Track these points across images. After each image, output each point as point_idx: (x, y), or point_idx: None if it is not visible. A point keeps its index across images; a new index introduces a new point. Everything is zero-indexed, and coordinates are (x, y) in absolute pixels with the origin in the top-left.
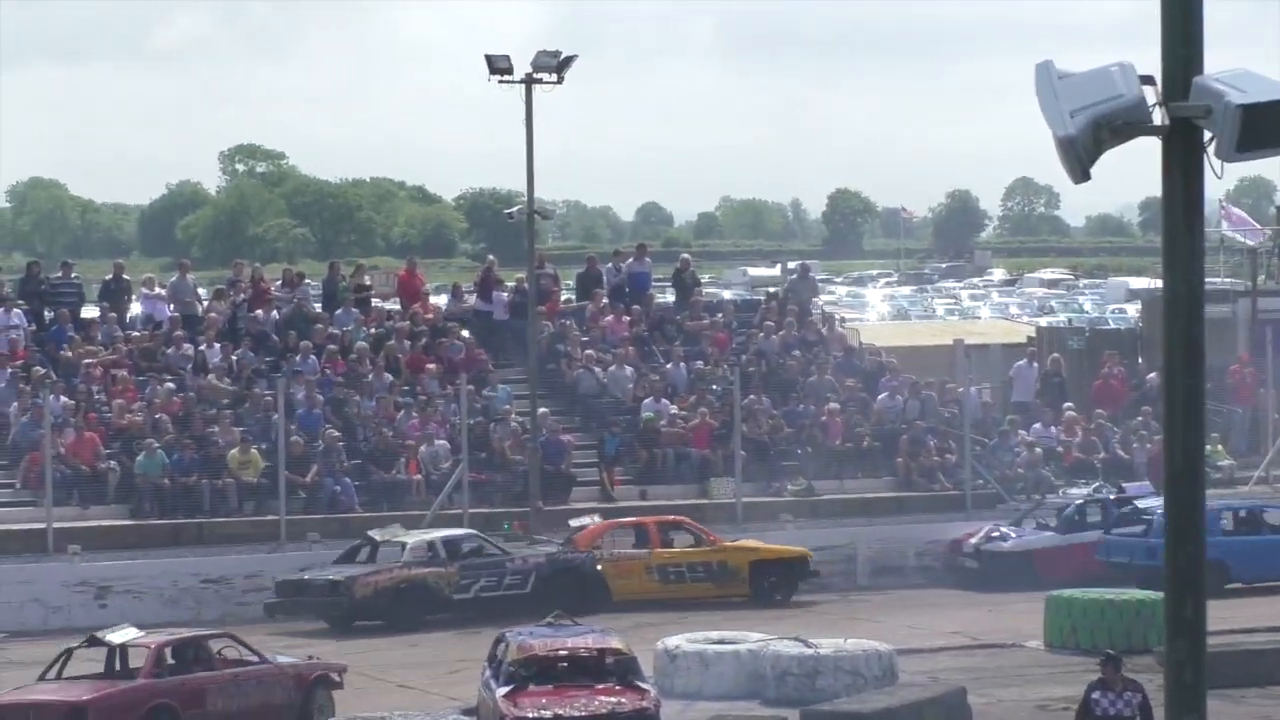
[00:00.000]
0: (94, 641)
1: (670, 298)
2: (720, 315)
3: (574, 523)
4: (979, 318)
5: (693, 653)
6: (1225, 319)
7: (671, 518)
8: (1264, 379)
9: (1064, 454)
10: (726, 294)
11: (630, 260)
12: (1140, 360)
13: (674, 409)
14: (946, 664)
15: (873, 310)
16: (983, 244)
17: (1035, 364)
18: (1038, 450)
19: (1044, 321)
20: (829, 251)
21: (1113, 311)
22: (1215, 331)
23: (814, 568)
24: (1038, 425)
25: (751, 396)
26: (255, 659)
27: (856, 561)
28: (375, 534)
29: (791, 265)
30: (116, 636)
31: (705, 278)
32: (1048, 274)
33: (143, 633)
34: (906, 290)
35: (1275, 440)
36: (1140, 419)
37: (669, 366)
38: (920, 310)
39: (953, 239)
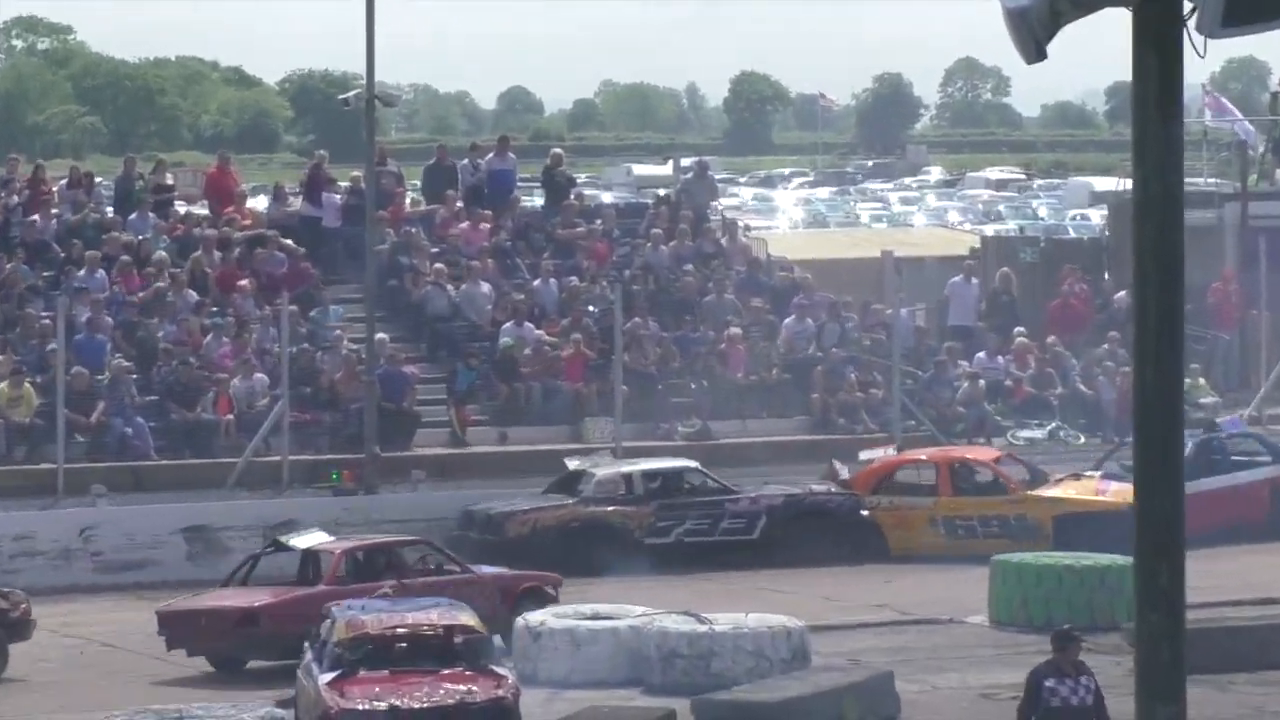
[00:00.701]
0: (278, 546)
1: (539, 201)
2: (599, 222)
3: (864, 455)
4: (912, 225)
5: (561, 630)
6: (1209, 227)
7: (973, 454)
8: (1255, 299)
9: (1013, 388)
10: (607, 197)
11: (490, 156)
12: (1106, 276)
13: (541, 335)
14: (870, 643)
15: (784, 217)
16: (917, 137)
17: (975, 280)
18: (981, 384)
19: (990, 230)
20: (731, 146)
21: (1073, 218)
22: (1197, 242)
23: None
24: (982, 354)
25: (636, 320)
26: (456, 568)
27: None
28: (573, 462)
29: (686, 163)
30: (301, 541)
31: (581, 177)
32: (995, 173)
33: (331, 538)
34: (825, 193)
35: (1268, 372)
36: (1106, 347)
37: (536, 284)
38: (841, 216)
39: (881, 131)
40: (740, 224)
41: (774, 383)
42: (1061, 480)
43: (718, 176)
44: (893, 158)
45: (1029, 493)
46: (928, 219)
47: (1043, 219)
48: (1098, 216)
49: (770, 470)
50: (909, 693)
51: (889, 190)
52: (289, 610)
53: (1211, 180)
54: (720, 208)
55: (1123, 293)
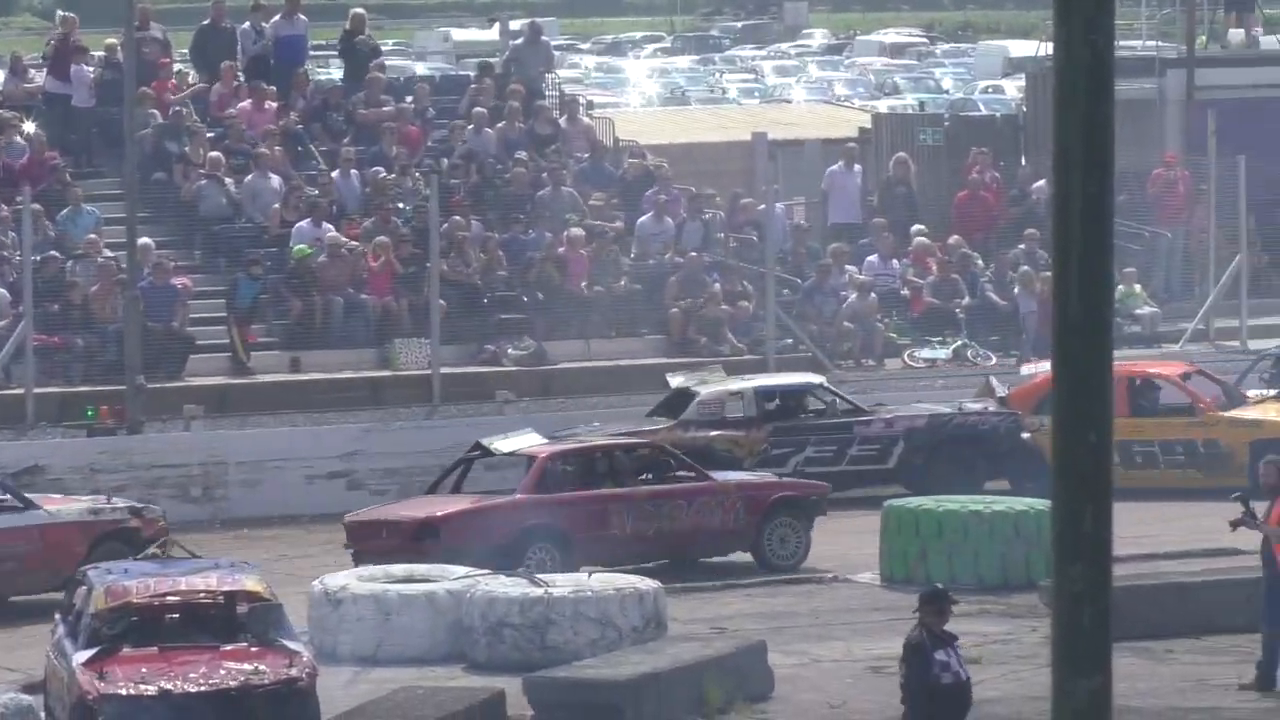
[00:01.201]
0: (481, 450)
1: (337, 74)
2: (410, 100)
3: (1024, 369)
4: (790, 101)
5: (366, 597)
6: (1148, 100)
7: (1159, 368)
8: (1203, 187)
9: (911, 299)
10: (420, 68)
11: (277, 19)
12: (1024, 162)
13: (340, 238)
14: (739, 608)
15: (635, 91)
16: None
17: (858, 168)
18: (872, 296)
19: (884, 107)
20: (571, 5)
21: (984, 91)
22: (1134, 117)
23: None
24: (873, 258)
25: (455, 219)
26: (690, 474)
27: None
28: (677, 379)
29: (515, 25)
30: (505, 444)
31: (388, 44)
32: (891, 37)
33: (543, 440)
34: (684, 61)
35: (1218, 277)
36: (1023, 247)
37: (334, 176)
38: (704, 91)
39: None
40: (582, 101)
41: (623, 294)
42: (1263, 400)
43: (554, 42)
44: (767, 18)
45: (1222, 414)
46: (809, 93)
47: (948, 92)
48: (1013, 89)
49: (617, 399)
50: (784, 666)
51: (762, 59)
52: (472, 522)
53: (1151, 43)
54: (558, 81)
55: (1042, 181)
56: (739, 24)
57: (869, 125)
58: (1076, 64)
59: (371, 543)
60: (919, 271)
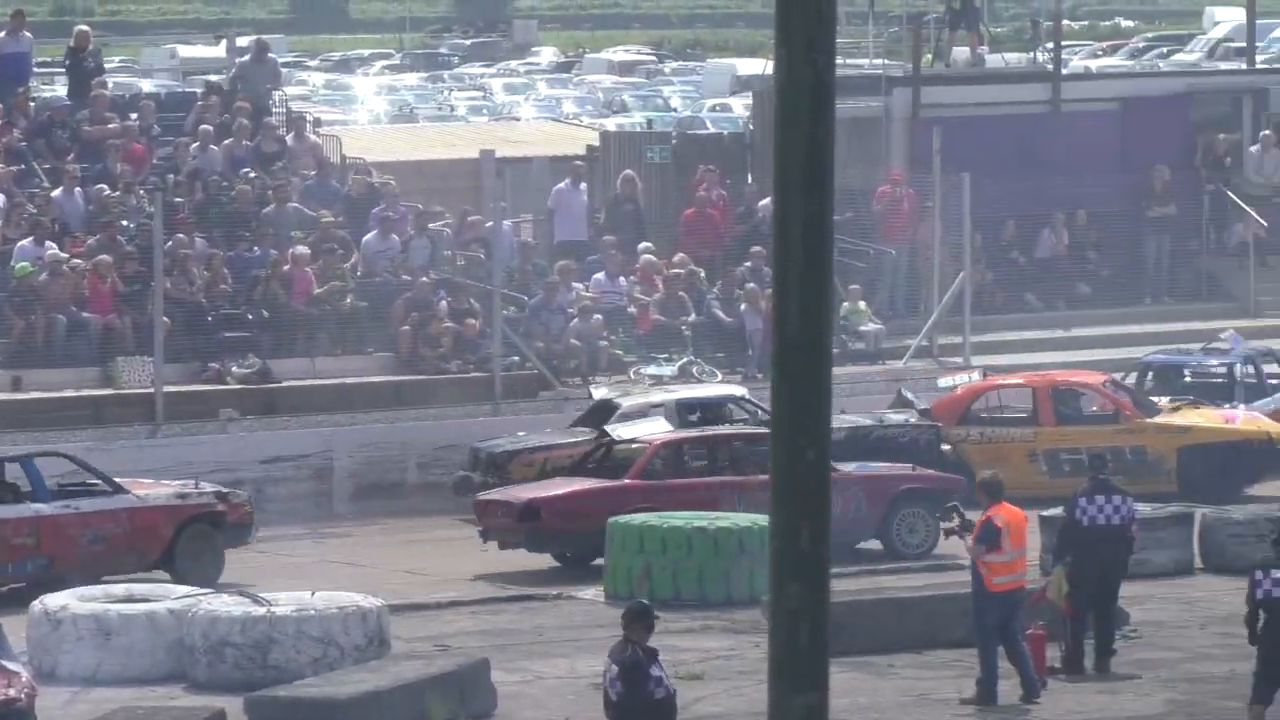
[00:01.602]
0: (601, 435)
1: (61, 91)
2: (135, 117)
3: (943, 382)
4: (519, 119)
5: (85, 616)
6: (874, 117)
7: (1078, 377)
8: (928, 204)
9: (638, 317)
10: (146, 85)
11: (1, 36)
12: (750, 179)
13: (63, 256)
14: (463, 625)
15: (363, 109)
16: (525, 11)
17: (584, 185)
18: (596, 318)
19: (613, 124)
20: (300, 22)
21: (712, 109)
22: (860, 135)
23: None
24: (600, 276)
25: (179, 237)
26: None
27: (333, 478)
28: (600, 390)
29: (243, 42)
30: (625, 430)
31: (114, 61)
32: (619, 55)
33: (668, 428)
34: (413, 79)
35: (942, 294)
36: (749, 265)
37: (57, 193)
38: (433, 108)
39: (481, 4)
40: (309, 118)
41: (349, 312)
42: (1177, 408)
43: (282, 59)
44: (496, 36)
45: (1149, 421)
46: (538, 111)
47: (675, 110)
48: (740, 106)
49: (343, 418)
50: (508, 683)
51: (491, 76)
52: (575, 505)
53: (879, 61)
54: (285, 98)
55: (768, 199)
56: (468, 41)
57: (597, 143)
58: (798, 83)
59: (491, 521)
60: (646, 289)
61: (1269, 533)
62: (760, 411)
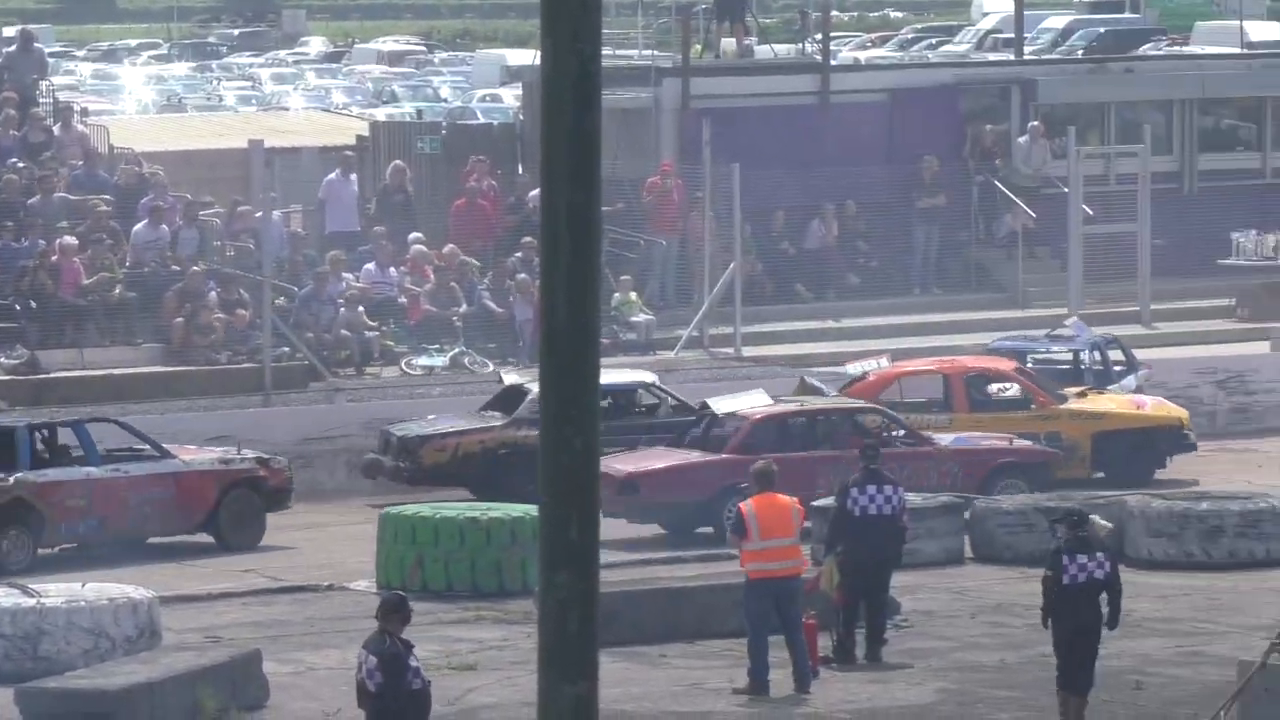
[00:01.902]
0: (703, 409)
1: None
2: None
3: (851, 368)
4: (287, 109)
5: None
6: (644, 108)
7: (990, 364)
8: (698, 196)
9: (409, 307)
10: None
11: None
12: (521, 170)
13: None
14: (235, 617)
15: (131, 98)
16: (294, 1)
17: (354, 176)
18: (359, 309)
19: (383, 114)
20: (66, 12)
21: (482, 99)
22: (630, 126)
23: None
24: (370, 266)
25: None
26: (909, 439)
27: None
28: (510, 376)
29: (8, 32)
30: (723, 404)
31: None
32: (389, 45)
33: (769, 402)
34: (181, 69)
35: (712, 284)
36: (519, 255)
37: None
38: (201, 99)
39: None
40: (77, 108)
41: (117, 303)
42: (1084, 394)
43: (49, 49)
44: (265, 26)
45: (1062, 407)
46: (307, 101)
47: (446, 101)
48: (511, 97)
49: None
50: (279, 674)
51: (260, 66)
52: (673, 479)
53: (649, 52)
54: (52, 88)
55: (539, 190)
56: (236, 31)
57: (366, 133)
58: (563, 74)
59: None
60: (417, 279)
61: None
62: (669, 398)
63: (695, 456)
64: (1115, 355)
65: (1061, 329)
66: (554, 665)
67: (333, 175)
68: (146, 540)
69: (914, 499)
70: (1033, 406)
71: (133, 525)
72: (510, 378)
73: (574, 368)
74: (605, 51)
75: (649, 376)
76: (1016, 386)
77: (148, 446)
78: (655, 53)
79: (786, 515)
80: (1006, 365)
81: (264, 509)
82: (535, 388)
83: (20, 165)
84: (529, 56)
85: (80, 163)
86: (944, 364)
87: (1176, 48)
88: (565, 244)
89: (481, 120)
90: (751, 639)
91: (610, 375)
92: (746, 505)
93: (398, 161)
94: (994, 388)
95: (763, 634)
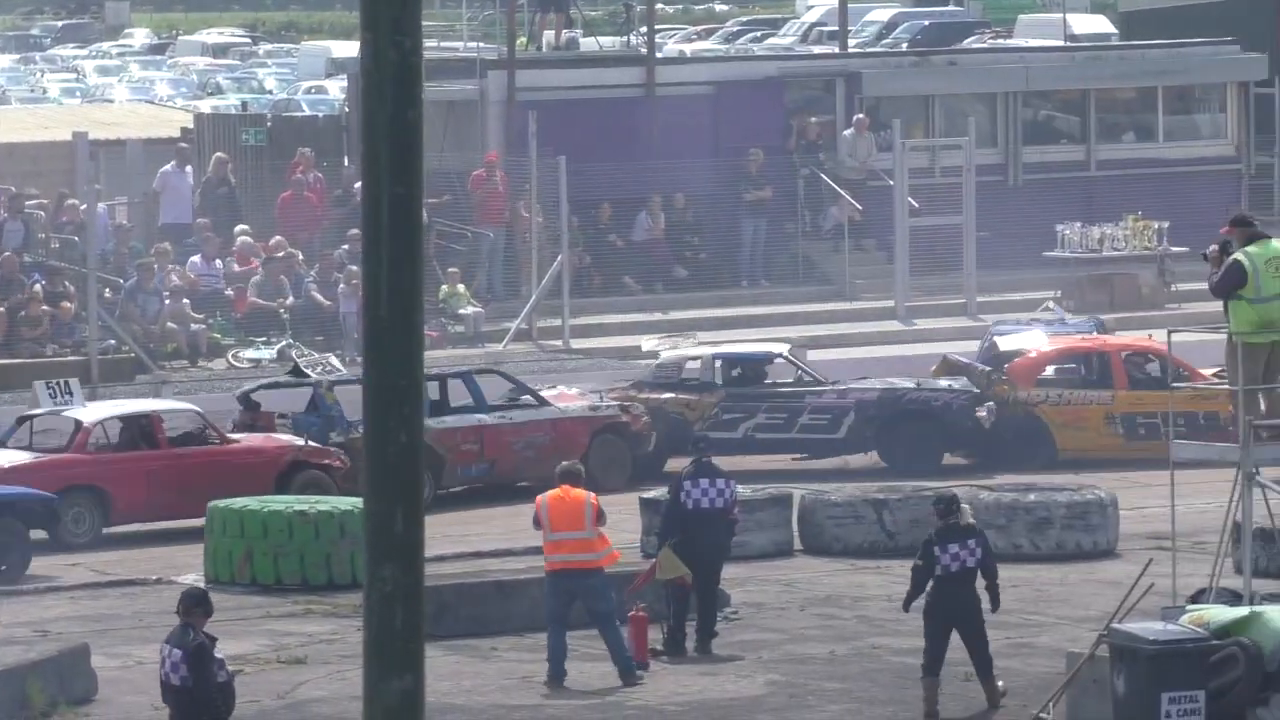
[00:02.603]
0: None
1: None
2: None
3: (652, 345)
4: (112, 101)
5: None
6: (470, 101)
7: (1145, 343)
8: (525, 188)
9: (235, 299)
10: None
11: None
12: (347, 162)
13: None
14: (62, 611)
15: None
16: None
17: (189, 169)
18: (185, 302)
19: (208, 107)
20: None
21: (308, 91)
22: (456, 118)
23: None
24: (197, 259)
25: None
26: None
27: None
28: (650, 343)
29: None
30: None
31: None
32: (213, 37)
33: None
34: (4, 60)
35: (540, 276)
36: (346, 247)
37: None
38: (25, 91)
39: None
40: None
41: None
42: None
43: None
44: (88, 18)
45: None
46: (131, 93)
47: (271, 93)
48: (336, 89)
49: None
50: (108, 669)
51: (83, 58)
52: None
53: (474, 44)
54: None
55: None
56: (59, 23)
57: (191, 125)
58: (384, 66)
59: None
60: (243, 272)
61: (866, 515)
62: (803, 372)
63: None
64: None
65: (1044, 312)
66: (380, 659)
67: (168, 167)
68: (517, 484)
69: (743, 491)
70: (1189, 384)
71: (517, 468)
72: (649, 344)
73: (397, 361)
74: (430, 44)
75: (780, 348)
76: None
77: (528, 395)
78: (480, 45)
79: (579, 509)
80: (1162, 346)
81: (629, 453)
82: (665, 354)
83: None
84: (354, 49)
85: None
86: (1107, 342)
87: (1000, 40)
88: (387, 237)
89: (307, 112)
90: (548, 631)
91: (744, 347)
92: (541, 498)
93: (219, 154)
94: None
95: (557, 627)
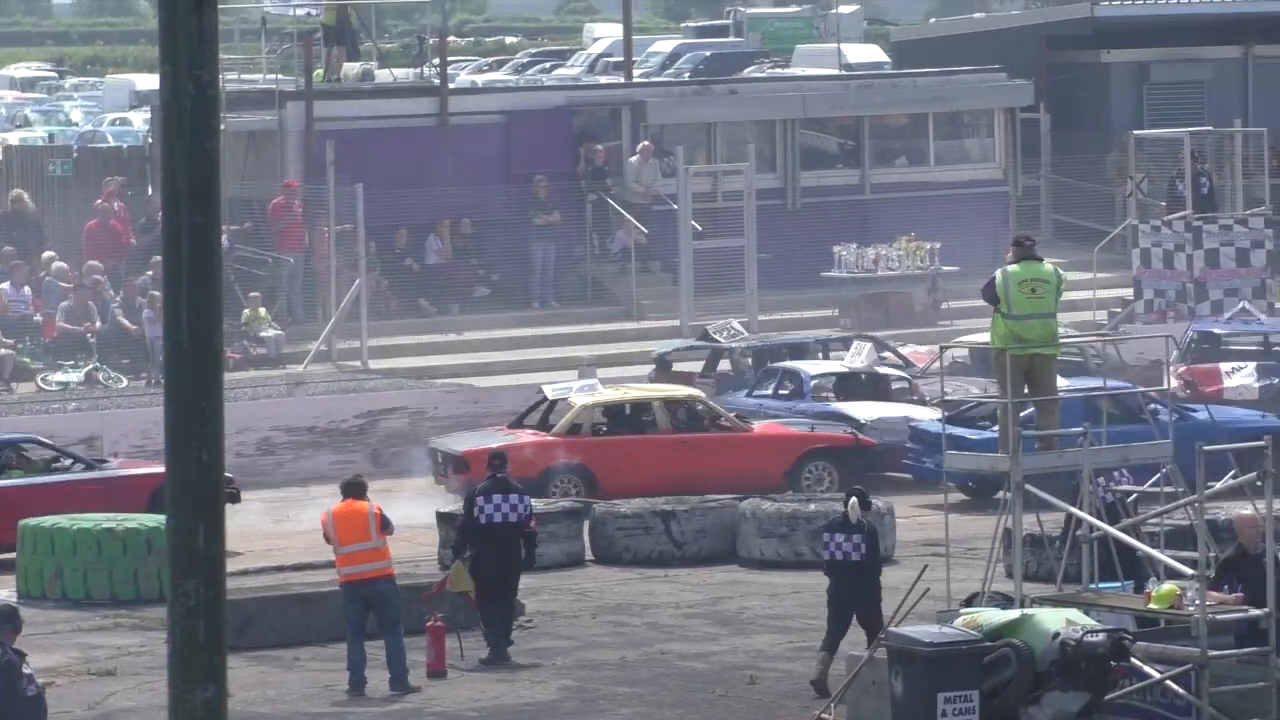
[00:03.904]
0: None
1: None
2: None
3: (553, 390)
4: None
5: None
6: (270, 131)
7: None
8: (323, 214)
9: (44, 325)
10: None
11: None
12: (151, 191)
13: None
14: None
15: None
16: None
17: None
18: None
19: (16, 138)
20: None
21: (113, 122)
22: (257, 148)
23: None
24: (6, 285)
25: None
26: None
27: None
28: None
29: None
30: None
31: None
32: (21, 70)
33: None
34: None
35: (339, 299)
36: (151, 273)
37: None
38: None
39: None
40: None
41: None
42: None
43: None
44: None
45: None
46: None
47: (77, 124)
48: (140, 120)
49: None
50: None
51: None
52: None
53: (273, 76)
54: None
55: None
56: None
57: (1, 156)
58: (182, 99)
59: None
60: (51, 298)
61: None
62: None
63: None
64: None
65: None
66: (184, 671)
67: None
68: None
69: (537, 504)
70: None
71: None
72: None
73: (198, 383)
74: (230, 76)
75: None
76: None
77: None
78: (279, 77)
79: (363, 520)
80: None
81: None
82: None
83: None
84: (157, 81)
85: None
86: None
87: (778, 70)
88: (187, 263)
89: (112, 143)
90: (348, 641)
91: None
92: (326, 513)
93: (16, 190)
94: None
95: (356, 636)
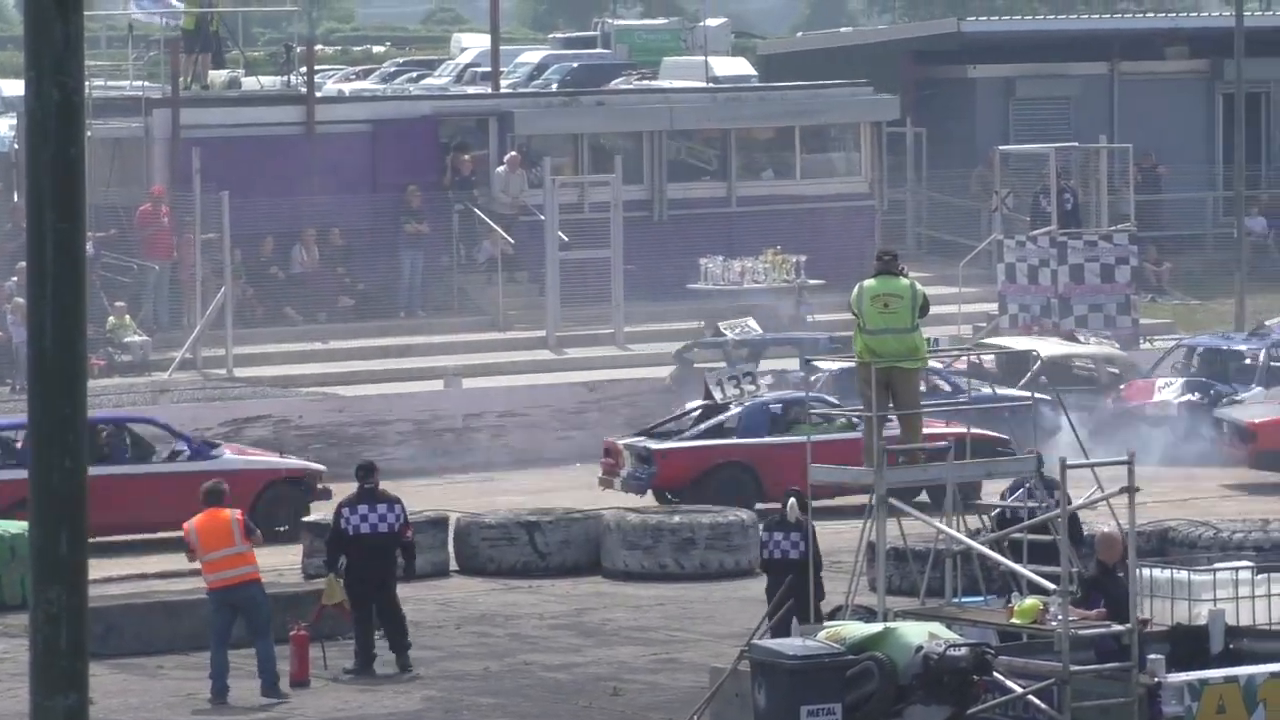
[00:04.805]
0: None
1: None
2: None
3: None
4: None
5: None
6: (136, 138)
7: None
8: (189, 221)
9: None
10: None
11: None
12: (17, 197)
13: None
14: None
15: None
16: None
17: None
18: None
19: None
20: None
21: None
22: (123, 155)
23: None
24: None
25: None
26: None
27: None
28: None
29: None
30: None
31: None
32: None
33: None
34: None
35: (204, 307)
36: (15, 280)
37: None
38: None
39: None
40: None
41: None
42: None
43: None
44: None
45: None
46: None
47: None
48: (5, 126)
49: None
50: None
51: None
52: None
53: (140, 83)
54: None
55: None
56: None
57: None
58: (46, 105)
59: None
60: None
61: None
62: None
63: None
64: None
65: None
66: (45, 678)
67: None
68: None
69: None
70: None
71: None
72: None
73: (61, 390)
74: (97, 83)
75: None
76: None
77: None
78: (146, 84)
79: (226, 527)
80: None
81: None
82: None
83: None
84: (23, 87)
85: None
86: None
87: (646, 82)
88: (50, 270)
89: None
90: (211, 648)
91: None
92: (189, 524)
93: None
94: None
95: (219, 644)
